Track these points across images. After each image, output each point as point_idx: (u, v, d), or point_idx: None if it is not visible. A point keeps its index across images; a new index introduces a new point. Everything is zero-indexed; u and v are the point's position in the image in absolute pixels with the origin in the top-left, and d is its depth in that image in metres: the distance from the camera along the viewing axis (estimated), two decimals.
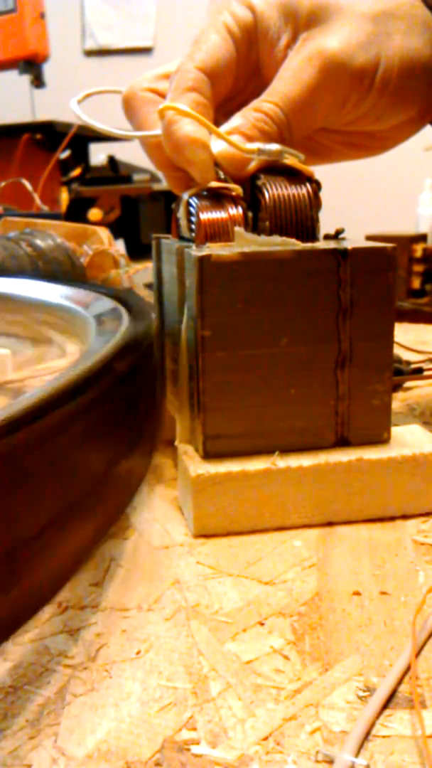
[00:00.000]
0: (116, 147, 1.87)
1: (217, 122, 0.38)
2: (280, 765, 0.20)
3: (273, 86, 0.38)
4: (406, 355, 0.58)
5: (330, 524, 0.34)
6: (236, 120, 0.37)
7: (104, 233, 0.96)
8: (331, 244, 0.34)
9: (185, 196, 0.38)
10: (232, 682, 0.24)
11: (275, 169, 0.37)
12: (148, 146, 0.42)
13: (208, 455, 0.34)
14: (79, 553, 0.25)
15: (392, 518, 0.35)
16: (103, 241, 0.94)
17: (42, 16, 1.68)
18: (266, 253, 0.33)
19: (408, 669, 0.24)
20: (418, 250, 0.95)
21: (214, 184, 0.37)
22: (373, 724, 0.22)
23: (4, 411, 0.21)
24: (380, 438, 0.36)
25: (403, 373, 0.54)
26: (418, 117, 0.42)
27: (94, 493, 0.25)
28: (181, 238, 0.39)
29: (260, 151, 0.36)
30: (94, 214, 1.53)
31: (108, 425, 0.27)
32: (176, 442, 0.36)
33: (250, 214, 0.36)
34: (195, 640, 0.26)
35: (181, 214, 0.38)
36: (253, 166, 0.37)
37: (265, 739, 0.21)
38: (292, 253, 0.33)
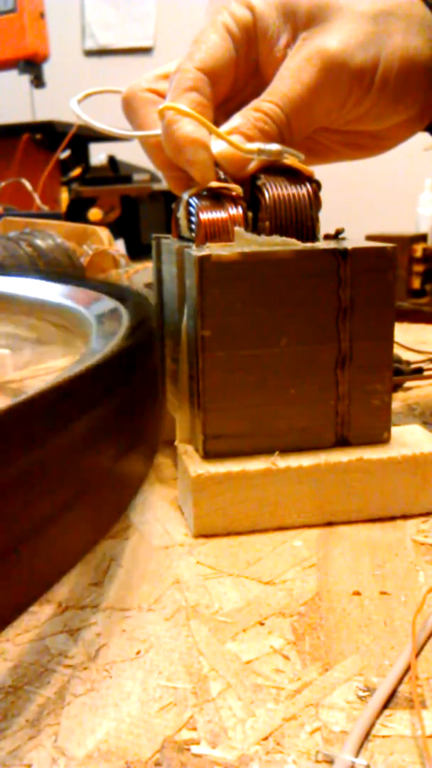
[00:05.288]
0: (116, 147, 1.87)
1: (217, 122, 0.38)
2: (280, 765, 0.20)
3: (273, 86, 0.38)
4: (406, 355, 0.58)
5: (330, 524, 0.34)
6: (236, 120, 0.37)
7: (104, 233, 0.96)
8: (331, 244, 0.34)
9: (185, 196, 0.38)
10: (232, 682, 0.24)
11: (275, 169, 0.37)
12: (148, 146, 0.42)
13: (208, 455, 0.34)
14: (78, 550, 0.25)
15: (392, 518, 0.35)
16: (103, 241, 0.94)
17: (42, 16, 1.68)
18: (266, 253, 0.33)
19: (408, 669, 0.24)
20: (418, 250, 0.94)
21: (214, 184, 0.37)
22: (373, 724, 0.22)
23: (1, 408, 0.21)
24: (380, 438, 0.36)
25: (403, 373, 0.54)
26: (418, 117, 0.42)
27: (92, 492, 0.25)
28: (181, 238, 0.39)
29: (260, 151, 0.36)
30: (94, 214, 1.53)
31: (108, 424, 0.27)
32: (176, 442, 0.36)
33: (250, 214, 0.36)
34: (195, 640, 0.26)
35: (181, 214, 0.38)
36: (253, 166, 0.37)
37: (265, 739, 0.21)
38: (292, 253, 0.33)
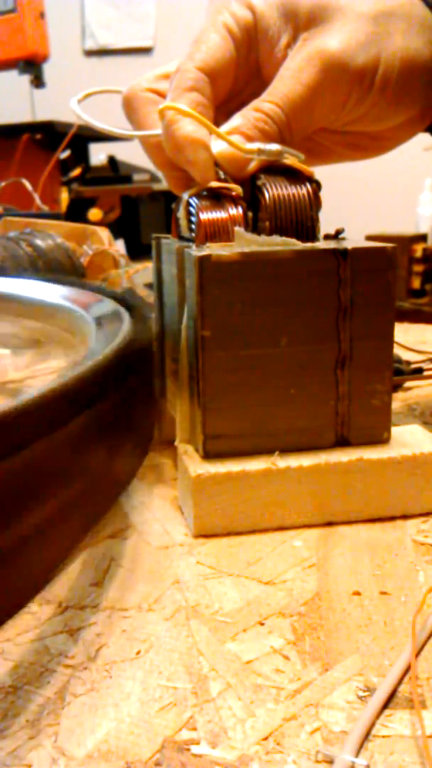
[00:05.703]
0: (116, 147, 1.87)
1: (217, 122, 0.38)
2: (280, 765, 0.20)
3: (273, 86, 0.38)
4: (406, 355, 0.58)
5: (330, 524, 0.34)
6: (236, 120, 0.37)
7: (104, 233, 0.96)
8: (331, 244, 0.34)
9: (185, 196, 0.38)
10: (232, 682, 0.24)
11: (275, 169, 0.37)
12: (148, 146, 0.42)
13: (208, 455, 0.34)
14: (72, 549, 0.25)
15: (392, 518, 0.35)
16: (103, 241, 0.94)
17: (42, 16, 1.68)
18: (266, 253, 0.33)
19: (408, 669, 0.24)
20: (418, 250, 0.95)
21: (214, 184, 0.37)
22: (373, 724, 0.22)
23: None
24: (380, 438, 0.36)
25: (403, 373, 0.54)
26: (418, 117, 0.42)
27: (85, 491, 0.25)
28: (181, 238, 0.39)
29: (260, 151, 0.36)
30: (94, 214, 1.53)
31: (102, 425, 0.27)
32: (176, 442, 0.36)
33: (250, 214, 0.36)
34: (195, 640, 0.26)
35: (181, 214, 0.38)
36: (253, 166, 0.37)
37: (265, 739, 0.21)
38: (292, 253, 0.33)
